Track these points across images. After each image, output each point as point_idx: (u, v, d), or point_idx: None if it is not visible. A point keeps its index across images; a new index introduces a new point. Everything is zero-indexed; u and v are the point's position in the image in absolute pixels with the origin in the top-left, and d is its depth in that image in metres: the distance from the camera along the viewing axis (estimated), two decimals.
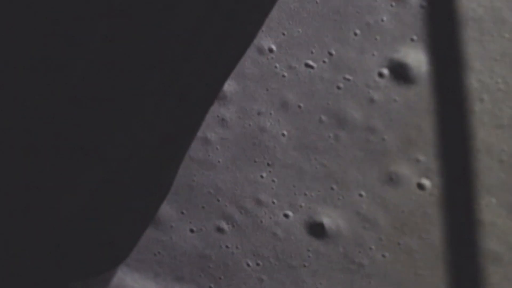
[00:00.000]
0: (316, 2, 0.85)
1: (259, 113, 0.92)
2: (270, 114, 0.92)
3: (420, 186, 0.90)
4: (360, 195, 0.92)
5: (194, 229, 1.00)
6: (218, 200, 0.98)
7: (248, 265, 1.00)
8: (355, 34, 0.85)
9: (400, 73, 0.86)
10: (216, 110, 0.94)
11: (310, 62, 0.88)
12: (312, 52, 0.88)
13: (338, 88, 0.88)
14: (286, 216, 0.96)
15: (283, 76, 0.90)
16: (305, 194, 0.94)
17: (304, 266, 0.98)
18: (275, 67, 0.89)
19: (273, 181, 0.95)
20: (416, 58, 0.85)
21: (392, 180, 0.91)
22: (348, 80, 0.87)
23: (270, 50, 0.89)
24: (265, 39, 0.89)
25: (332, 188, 0.93)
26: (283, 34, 0.88)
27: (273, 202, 0.96)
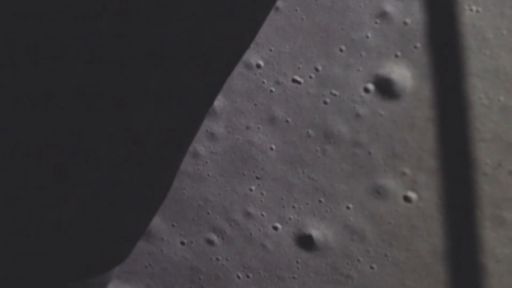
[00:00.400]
0: (302, 19, 0.89)
1: (247, 128, 0.96)
2: (259, 128, 0.96)
3: (407, 199, 0.94)
4: (348, 208, 0.96)
5: (185, 241, 1.04)
6: (208, 213, 1.02)
7: (238, 277, 1.03)
8: (341, 50, 0.89)
9: (385, 88, 0.89)
10: (206, 124, 0.97)
11: (297, 78, 0.92)
12: (299, 68, 0.92)
13: (325, 103, 0.92)
14: (275, 228, 1.00)
15: (271, 91, 0.93)
16: (294, 207, 0.98)
17: (294, 277, 1.02)
18: (263, 82, 0.93)
19: (262, 194, 0.99)
20: (401, 74, 0.88)
21: (379, 193, 0.94)
22: (335, 95, 0.91)
23: (258, 66, 0.93)
24: (252, 55, 0.92)
25: (320, 201, 0.97)
26: (270, 50, 0.92)
27: (262, 215, 1.00)
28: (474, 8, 0.85)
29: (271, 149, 0.97)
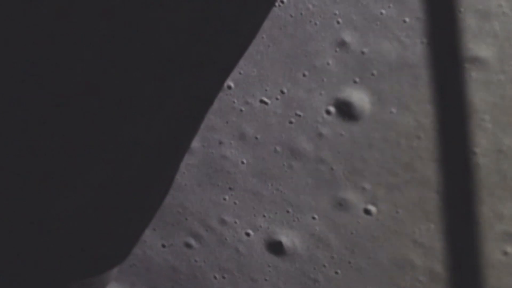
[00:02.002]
0: (269, 46, 1.08)
1: (220, 143, 1.16)
2: (230, 144, 1.16)
3: (367, 211, 1.14)
4: (313, 218, 1.17)
5: (166, 244, 1.26)
6: (186, 219, 1.23)
7: (215, 277, 1.26)
8: (304, 75, 1.08)
9: (345, 111, 1.08)
10: None
11: (265, 99, 1.12)
12: (266, 90, 1.11)
13: (290, 122, 1.12)
14: (247, 234, 1.21)
15: (241, 110, 1.13)
16: (264, 216, 1.19)
17: (265, 280, 1.23)
18: (234, 102, 1.13)
19: (235, 203, 1.20)
20: (359, 98, 1.07)
21: (341, 205, 1.15)
22: (299, 115, 1.11)
23: (229, 87, 1.13)
24: None
25: (287, 211, 1.18)
26: (240, 73, 1.11)
27: (236, 222, 1.21)
28: (425, 41, 1.02)
29: (242, 163, 1.17)
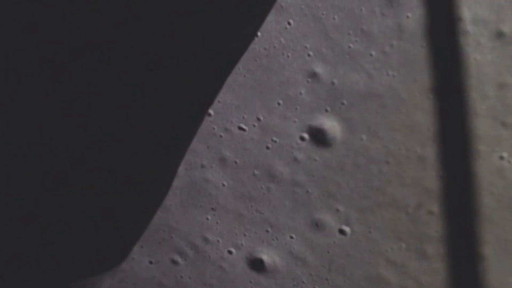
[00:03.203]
0: (245, 76, 1.20)
1: (202, 166, 1.28)
2: (212, 167, 1.28)
3: (342, 232, 1.25)
4: (291, 237, 1.28)
5: (153, 261, 1.39)
6: (172, 237, 1.36)
7: None
8: (279, 104, 1.20)
9: (318, 137, 1.20)
10: None
11: (242, 125, 1.23)
12: (243, 117, 1.22)
13: (267, 148, 1.23)
14: (230, 252, 1.33)
15: (220, 136, 1.25)
16: (245, 235, 1.31)
17: None
18: (213, 128, 1.25)
19: (217, 223, 1.32)
20: (331, 126, 1.18)
21: (317, 226, 1.26)
22: (275, 141, 1.22)
23: (209, 115, 1.25)
24: None
25: (267, 231, 1.29)
26: (219, 101, 1.23)
27: (218, 240, 1.33)
28: (390, 73, 1.13)
29: (223, 185, 1.29)
